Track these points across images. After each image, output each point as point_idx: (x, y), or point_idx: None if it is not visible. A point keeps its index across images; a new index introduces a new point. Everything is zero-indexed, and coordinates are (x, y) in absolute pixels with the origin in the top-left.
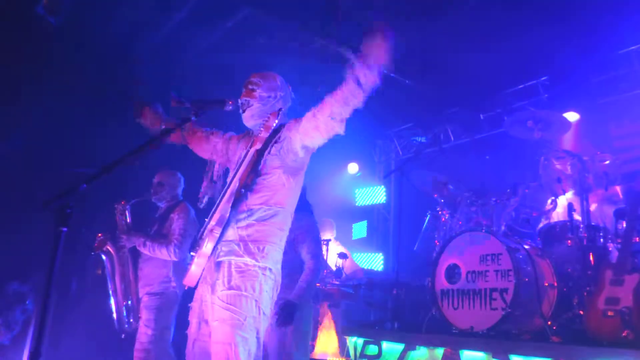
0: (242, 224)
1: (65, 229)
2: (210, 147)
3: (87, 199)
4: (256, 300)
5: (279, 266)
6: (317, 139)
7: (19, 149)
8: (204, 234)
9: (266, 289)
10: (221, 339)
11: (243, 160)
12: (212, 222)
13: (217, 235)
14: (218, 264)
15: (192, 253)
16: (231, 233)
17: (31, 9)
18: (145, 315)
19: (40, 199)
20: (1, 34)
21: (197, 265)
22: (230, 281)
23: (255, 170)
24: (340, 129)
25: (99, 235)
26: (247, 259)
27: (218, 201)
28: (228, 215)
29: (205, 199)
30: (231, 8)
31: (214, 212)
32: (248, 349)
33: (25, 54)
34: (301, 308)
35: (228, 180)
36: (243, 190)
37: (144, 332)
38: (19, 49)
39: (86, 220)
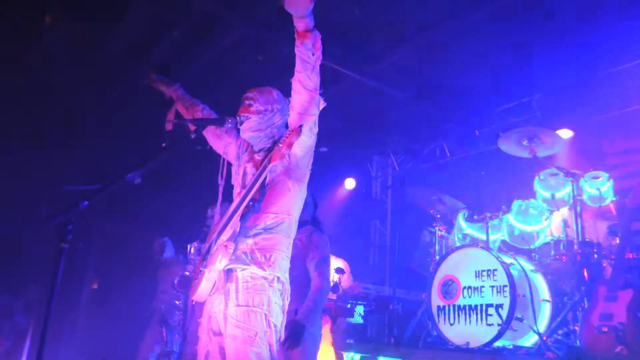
0: (251, 233)
1: (66, 245)
2: (223, 145)
3: (85, 214)
4: (266, 314)
5: (287, 275)
6: (309, 113)
7: (16, 163)
8: (214, 248)
9: (275, 300)
10: (235, 357)
11: (255, 180)
12: (224, 237)
13: (231, 251)
14: (227, 273)
15: (202, 268)
16: (241, 244)
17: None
18: None
19: (34, 214)
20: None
21: (208, 280)
22: (238, 297)
23: (262, 183)
24: (319, 100)
25: None
26: (255, 269)
27: (228, 217)
28: (239, 229)
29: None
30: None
31: (223, 228)
32: None
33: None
34: (309, 328)
35: (235, 196)
36: (252, 203)
37: None
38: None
39: (83, 235)
